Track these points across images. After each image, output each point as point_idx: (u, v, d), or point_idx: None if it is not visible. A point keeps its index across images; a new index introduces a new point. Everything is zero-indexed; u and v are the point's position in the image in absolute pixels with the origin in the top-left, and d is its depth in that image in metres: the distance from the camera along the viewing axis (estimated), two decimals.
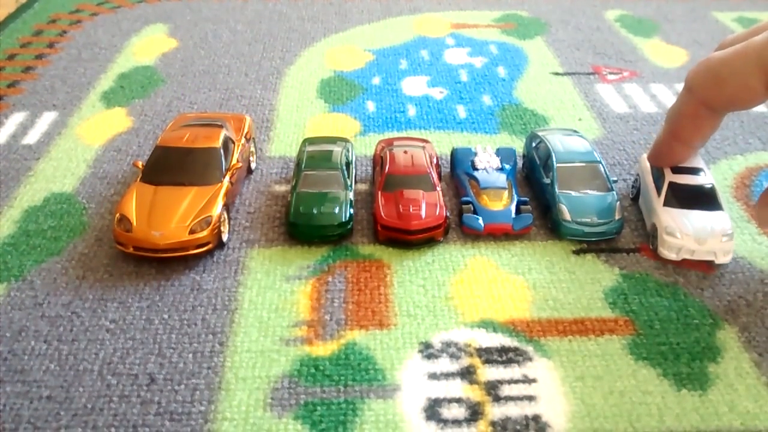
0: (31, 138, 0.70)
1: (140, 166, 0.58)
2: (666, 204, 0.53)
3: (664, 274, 0.52)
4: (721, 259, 0.52)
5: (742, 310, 0.49)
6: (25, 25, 0.98)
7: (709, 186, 0.54)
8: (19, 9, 1.03)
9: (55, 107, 0.76)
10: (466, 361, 0.45)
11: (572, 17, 1.02)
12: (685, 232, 0.51)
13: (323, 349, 0.46)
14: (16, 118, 0.74)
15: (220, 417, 0.41)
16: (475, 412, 0.41)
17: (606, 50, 0.91)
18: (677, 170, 0.54)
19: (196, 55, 0.89)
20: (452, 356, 0.45)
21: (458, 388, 0.43)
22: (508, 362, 0.44)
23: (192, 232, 0.51)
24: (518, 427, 0.40)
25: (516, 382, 0.43)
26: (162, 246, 0.51)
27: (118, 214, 0.53)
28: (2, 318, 0.48)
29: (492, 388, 0.43)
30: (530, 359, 0.45)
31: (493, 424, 0.40)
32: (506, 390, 0.43)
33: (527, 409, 0.41)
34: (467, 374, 0.44)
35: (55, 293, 0.50)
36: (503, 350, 0.45)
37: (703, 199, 0.53)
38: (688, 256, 0.52)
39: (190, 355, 0.45)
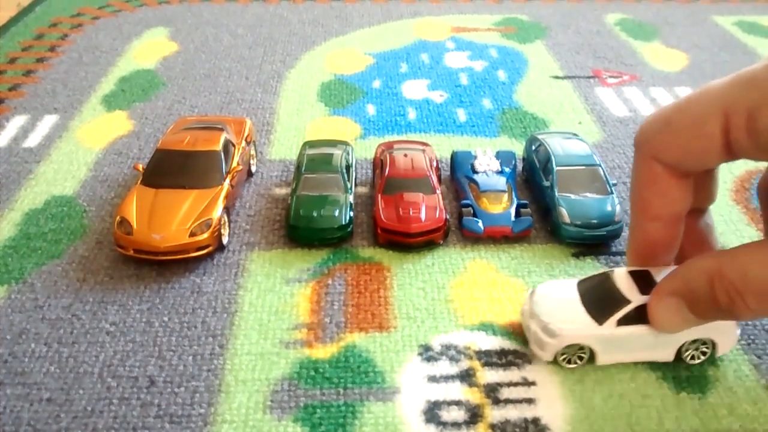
0: (32, 141, 0.70)
1: (141, 169, 0.58)
2: None
3: None
4: None
5: None
6: (26, 28, 0.98)
7: None
8: (21, 13, 1.03)
9: (56, 110, 0.76)
10: (465, 364, 0.45)
11: (572, 21, 1.03)
12: None
13: (323, 351, 0.46)
14: (18, 122, 0.74)
15: (219, 419, 0.41)
16: (474, 415, 0.41)
17: (606, 54, 0.92)
18: None
19: (196, 59, 0.89)
20: (452, 359, 0.45)
21: (458, 390, 0.43)
22: (508, 365, 0.45)
23: (192, 234, 0.52)
24: (517, 430, 0.40)
25: (515, 384, 0.43)
26: (162, 249, 0.51)
27: (118, 217, 0.53)
28: (3, 320, 0.48)
29: (491, 391, 0.43)
30: (529, 362, 0.45)
31: (492, 426, 0.41)
32: (506, 393, 0.43)
33: (526, 412, 0.41)
34: (467, 377, 0.44)
35: (55, 296, 0.50)
36: (503, 353, 0.45)
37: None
38: None
39: (190, 358, 0.45)
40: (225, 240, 0.55)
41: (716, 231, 0.42)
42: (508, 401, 0.42)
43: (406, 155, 0.60)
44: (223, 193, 0.55)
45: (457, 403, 0.42)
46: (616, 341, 0.42)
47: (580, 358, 0.43)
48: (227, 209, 0.56)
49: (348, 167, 0.60)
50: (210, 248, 0.53)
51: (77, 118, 0.75)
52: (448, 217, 0.56)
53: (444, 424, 0.41)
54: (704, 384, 0.43)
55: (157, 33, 0.97)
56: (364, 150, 0.69)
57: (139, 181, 0.57)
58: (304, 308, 0.49)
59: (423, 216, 0.54)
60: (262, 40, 0.95)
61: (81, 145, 0.70)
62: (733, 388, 0.43)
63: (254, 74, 0.85)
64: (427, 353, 0.45)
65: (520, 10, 1.06)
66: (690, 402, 0.42)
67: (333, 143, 0.64)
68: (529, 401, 0.42)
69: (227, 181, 0.57)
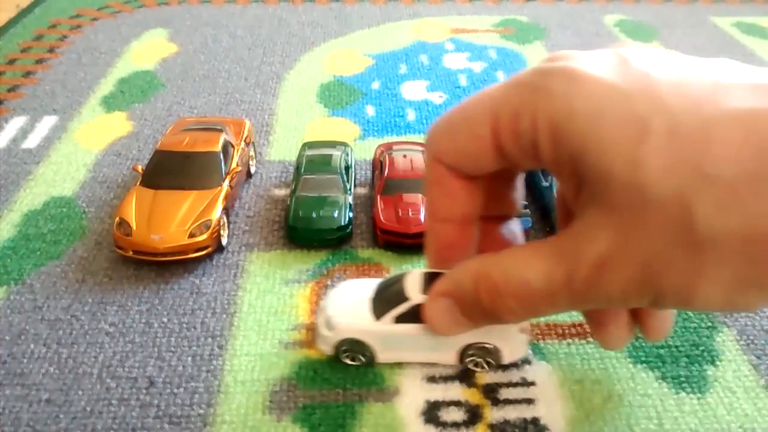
0: (31, 142, 0.70)
1: (140, 170, 0.58)
2: None
3: None
4: None
5: (740, 313, 0.49)
6: (25, 29, 0.98)
7: None
8: (20, 14, 1.03)
9: (55, 111, 0.76)
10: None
11: (571, 22, 1.03)
12: None
13: (322, 352, 0.46)
14: (17, 123, 0.74)
15: (219, 420, 0.41)
16: (474, 415, 0.41)
17: None
18: None
19: (195, 60, 0.89)
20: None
21: (457, 391, 0.43)
22: (507, 365, 0.45)
23: (191, 235, 0.52)
24: (517, 430, 0.40)
25: (515, 385, 0.43)
26: (161, 250, 0.51)
27: (117, 218, 0.53)
28: (2, 321, 0.48)
29: (491, 392, 0.43)
30: (529, 362, 0.45)
31: (492, 427, 0.41)
32: (505, 393, 0.43)
33: (526, 413, 0.41)
34: (466, 377, 0.44)
35: (54, 297, 0.50)
36: None
37: None
38: None
39: (190, 359, 0.45)
40: (224, 241, 0.55)
41: (522, 238, 0.41)
42: (507, 401, 0.42)
43: (405, 156, 0.60)
44: (223, 194, 0.55)
45: (457, 403, 0.42)
46: (394, 339, 0.42)
47: (364, 356, 0.43)
48: (226, 210, 0.56)
49: (347, 168, 0.60)
50: (209, 249, 0.53)
51: (76, 120, 0.75)
52: None
53: (443, 424, 0.41)
54: (703, 384, 0.43)
55: (156, 34, 0.97)
56: (364, 151, 0.69)
57: (138, 182, 0.57)
58: (303, 309, 0.49)
59: (422, 217, 0.54)
60: (261, 41, 0.95)
61: (80, 146, 0.70)
62: (733, 388, 0.43)
63: (253, 75, 0.85)
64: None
65: (519, 11, 1.06)
66: (689, 402, 0.42)
67: (332, 144, 0.64)
68: (529, 401, 0.42)
69: (226, 182, 0.57)
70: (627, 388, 0.43)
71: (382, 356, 0.43)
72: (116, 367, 0.44)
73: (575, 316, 0.48)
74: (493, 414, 0.41)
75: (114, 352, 0.46)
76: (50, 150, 0.69)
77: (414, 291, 0.41)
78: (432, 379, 0.44)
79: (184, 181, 0.56)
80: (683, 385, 0.43)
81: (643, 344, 0.46)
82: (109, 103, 0.78)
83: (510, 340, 0.43)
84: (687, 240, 0.27)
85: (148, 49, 0.93)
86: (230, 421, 0.41)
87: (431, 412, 0.41)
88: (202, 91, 0.81)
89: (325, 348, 0.44)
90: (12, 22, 1.00)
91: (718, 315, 0.49)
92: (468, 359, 0.43)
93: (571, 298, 0.31)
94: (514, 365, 0.44)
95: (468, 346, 0.42)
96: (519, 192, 0.40)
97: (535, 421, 0.41)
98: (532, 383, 0.43)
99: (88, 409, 0.42)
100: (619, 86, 0.29)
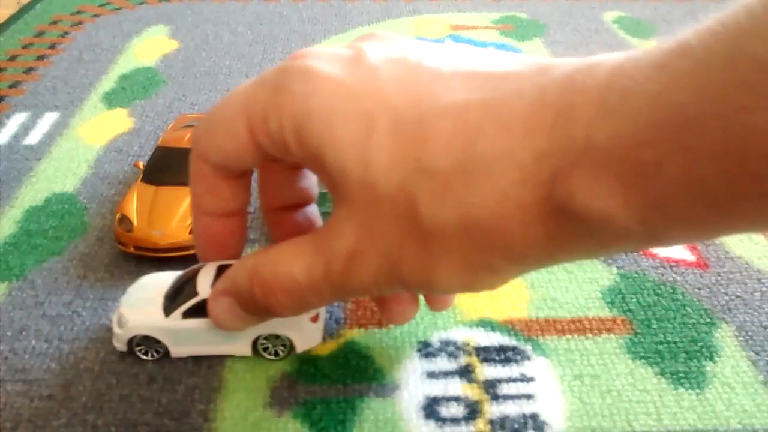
0: (33, 138, 0.71)
1: (141, 167, 0.58)
2: None
3: (662, 273, 0.52)
4: None
5: (740, 309, 0.49)
6: (26, 26, 0.98)
7: None
8: (21, 10, 1.03)
9: (56, 108, 0.77)
10: (464, 360, 0.45)
11: (571, 19, 1.03)
12: None
13: (322, 348, 0.46)
14: (18, 119, 0.74)
15: (219, 416, 0.41)
16: (473, 411, 0.41)
17: (604, 52, 0.91)
18: None
19: (197, 57, 0.89)
20: (451, 355, 0.45)
21: (457, 386, 0.43)
22: (507, 361, 0.45)
23: (193, 231, 0.52)
24: (516, 426, 0.40)
25: (514, 380, 0.43)
26: (163, 246, 0.51)
27: (119, 214, 0.53)
28: (3, 317, 0.48)
29: (490, 387, 0.43)
30: (528, 358, 0.45)
31: (491, 422, 0.41)
32: (504, 388, 0.43)
33: (525, 408, 0.42)
34: (466, 373, 0.44)
35: (56, 293, 0.51)
36: (501, 349, 0.46)
37: None
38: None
39: None
40: None
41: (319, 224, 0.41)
42: (507, 397, 0.42)
43: None
44: None
45: (456, 398, 0.42)
46: (185, 334, 0.42)
47: (159, 351, 0.44)
48: None
49: None
50: None
51: (78, 116, 0.75)
52: None
53: (443, 419, 0.41)
54: (702, 380, 0.44)
55: (157, 31, 0.97)
56: None
57: (139, 179, 0.57)
58: None
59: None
60: (262, 37, 0.95)
61: (81, 142, 0.70)
62: (731, 384, 0.43)
63: (254, 72, 0.85)
64: (426, 349, 0.46)
65: (518, 7, 1.06)
66: (688, 398, 0.42)
67: None
68: (528, 397, 0.42)
69: None
70: (626, 383, 0.43)
71: (175, 350, 0.44)
72: (117, 362, 0.45)
73: (574, 312, 0.49)
74: (493, 409, 0.41)
75: (115, 348, 0.46)
76: (51, 146, 0.69)
77: (204, 286, 0.40)
78: (432, 375, 0.44)
79: (186, 177, 0.55)
80: (682, 380, 0.43)
81: (642, 340, 0.46)
82: (111, 100, 0.78)
83: (301, 330, 0.43)
84: (416, 232, 0.28)
85: (150, 46, 0.93)
86: (231, 417, 0.41)
87: (431, 407, 0.42)
88: (203, 87, 0.81)
89: (119, 345, 0.44)
90: (13, 19, 1.00)
91: (717, 311, 0.49)
92: (262, 349, 0.44)
93: (333, 290, 0.33)
94: (514, 361, 0.45)
95: (260, 337, 0.43)
96: (310, 180, 0.40)
97: (534, 416, 0.41)
98: (532, 379, 0.44)
99: (89, 405, 0.42)
100: (348, 84, 0.29)
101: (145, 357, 0.44)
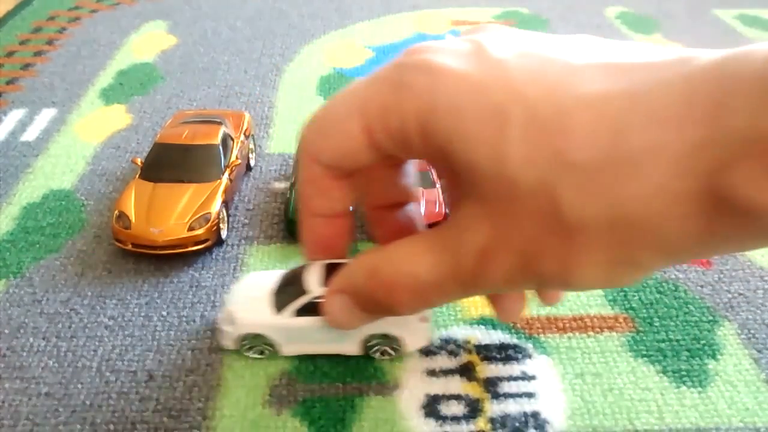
0: (30, 135, 0.70)
1: (139, 163, 0.58)
2: None
3: (664, 271, 0.52)
4: None
5: (742, 307, 0.49)
6: (24, 22, 0.98)
7: None
8: (18, 6, 1.03)
9: (54, 104, 0.76)
10: (465, 358, 0.45)
11: (573, 14, 1.02)
12: None
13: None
14: (15, 115, 0.74)
15: (218, 414, 0.41)
16: (474, 409, 0.41)
17: None
18: None
19: (195, 52, 0.89)
20: (451, 353, 0.45)
21: (457, 385, 0.43)
22: (507, 359, 0.44)
23: (191, 229, 0.51)
24: (517, 424, 0.40)
25: (515, 379, 0.43)
26: (161, 243, 0.51)
27: (116, 211, 0.53)
28: (1, 315, 0.48)
29: (491, 385, 0.43)
30: (529, 356, 0.45)
31: (492, 420, 0.40)
32: (505, 387, 0.43)
33: (526, 406, 0.41)
34: (466, 371, 0.44)
35: (53, 290, 0.50)
36: (502, 347, 0.45)
37: None
38: None
39: (189, 352, 0.45)
40: (224, 234, 0.55)
41: (421, 223, 0.41)
42: (507, 395, 0.42)
43: None
44: (222, 187, 0.55)
45: (457, 397, 0.42)
46: (295, 332, 0.42)
47: (269, 349, 0.44)
48: (226, 203, 0.55)
49: None
50: (209, 242, 0.52)
51: (75, 112, 0.75)
52: (447, 211, 0.55)
53: (444, 418, 0.41)
54: (704, 378, 0.43)
55: (155, 26, 0.97)
56: None
57: (137, 175, 0.56)
58: None
59: (422, 210, 0.54)
60: (261, 33, 0.95)
61: (79, 138, 0.69)
62: (733, 382, 0.43)
63: (253, 67, 0.85)
64: (426, 347, 0.45)
65: (520, 2, 1.06)
66: (690, 396, 0.42)
67: None
68: (529, 395, 0.42)
69: (226, 175, 0.56)
70: (627, 381, 0.43)
71: (285, 349, 0.43)
72: (115, 360, 0.44)
73: (575, 310, 0.48)
74: (494, 408, 0.41)
75: (113, 345, 0.45)
76: (49, 143, 0.69)
77: (313, 283, 0.40)
78: (432, 373, 0.43)
79: (184, 174, 0.56)
80: (684, 378, 0.43)
81: (644, 338, 0.46)
82: (109, 96, 0.78)
83: (411, 330, 0.43)
84: (557, 227, 0.27)
85: (148, 42, 0.92)
86: (229, 415, 0.41)
87: (431, 405, 0.41)
88: (201, 83, 0.81)
89: (227, 343, 0.44)
90: (10, 14, 0.99)
91: (719, 309, 0.49)
92: (372, 349, 0.43)
93: (460, 288, 0.32)
94: (515, 359, 0.44)
95: (371, 336, 0.43)
96: (410, 178, 0.40)
97: (535, 414, 0.41)
98: (533, 377, 0.43)
99: (88, 402, 0.42)
100: (475, 78, 0.29)
101: (253, 356, 0.44)
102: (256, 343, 0.43)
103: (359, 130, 0.32)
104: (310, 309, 0.41)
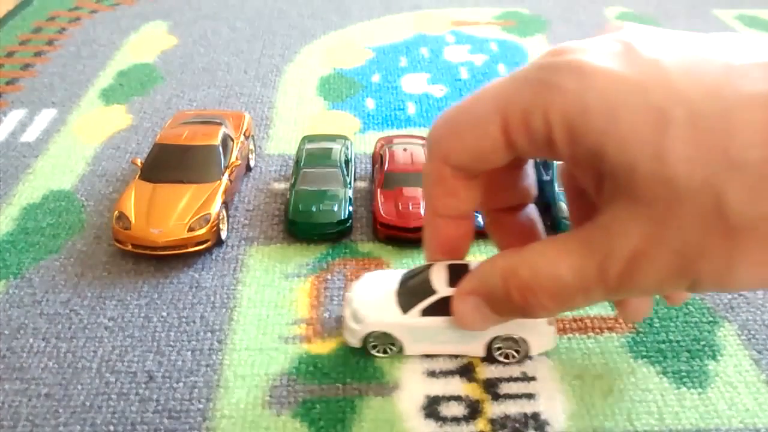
0: (30, 135, 0.70)
1: (139, 164, 0.58)
2: None
3: None
4: None
5: (742, 308, 0.49)
6: (24, 22, 0.98)
7: None
8: (18, 6, 1.02)
9: (54, 104, 0.76)
10: (465, 359, 0.44)
11: (573, 14, 1.02)
12: None
13: (322, 347, 0.45)
14: (15, 116, 0.74)
15: (218, 414, 0.41)
16: (474, 410, 0.41)
17: None
18: None
19: (195, 53, 0.89)
20: (451, 354, 0.45)
21: (457, 385, 0.43)
22: (507, 361, 0.44)
23: (191, 229, 0.51)
24: (517, 425, 0.40)
25: (515, 380, 0.43)
26: (161, 244, 0.51)
27: (116, 212, 0.53)
28: (1, 315, 0.48)
29: (491, 386, 0.43)
30: (529, 357, 0.45)
31: (492, 421, 0.40)
32: (505, 388, 0.43)
33: (526, 407, 0.41)
34: (466, 372, 0.44)
35: (53, 291, 0.50)
36: None
37: None
38: None
39: (189, 353, 0.45)
40: (223, 235, 0.55)
41: (541, 225, 0.41)
42: (507, 396, 0.42)
43: (405, 150, 0.60)
44: (222, 188, 0.55)
45: (457, 398, 0.42)
46: (421, 331, 0.42)
47: (392, 348, 0.44)
48: (226, 204, 0.55)
49: (347, 162, 0.60)
50: (208, 243, 0.52)
51: (75, 113, 0.74)
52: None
53: (443, 419, 0.41)
54: (704, 379, 0.43)
55: (155, 26, 0.97)
56: (364, 144, 0.68)
57: (137, 176, 0.56)
58: (303, 303, 0.49)
59: (423, 211, 0.54)
60: (261, 33, 0.95)
61: (79, 139, 0.69)
62: (734, 383, 0.43)
63: (253, 68, 0.85)
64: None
65: (520, 3, 1.06)
66: (690, 397, 0.42)
67: (332, 138, 0.64)
68: (529, 396, 0.42)
69: (226, 175, 0.56)
70: (628, 383, 0.43)
71: (410, 349, 0.43)
72: (115, 361, 0.44)
73: (575, 312, 0.48)
74: (494, 409, 0.41)
75: (113, 346, 0.45)
76: (49, 143, 0.69)
77: (440, 284, 0.41)
78: (432, 374, 0.43)
79: (184, 174, 0.55)
80: (684, 380, 0.43)
81: (644, 339, 0.46)
82: (108, 96, 0.78)
83: (538, 333, 0.43)
84: (721, 227, 0.27)
85: (148, 42, 0.92)
86: (230, 416, 0.41)
87: (431, 406, 0.41)
88: (201, 84, 0.81)
89: (353, 340, 0.44)
90: (11, 15, 0.99)
91: (719, 309, 0.49)
92: (496, 351, 0.43)
93: (605, 291, 0.31)
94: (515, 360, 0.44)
95: (496, 338, 0.43)
96: (531, 179, 0.40)
97: (535, 416, 0.41)
98: (533, 378, 0.43)
99: (87, 403, 0.41)
100: (631, 78, 0.28)
101: (377, 354, 0.44)
102: (382, 342, 0.43)
103: (498, 131, 0.32)
104: (437, 309, 0.41)
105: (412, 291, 0.42)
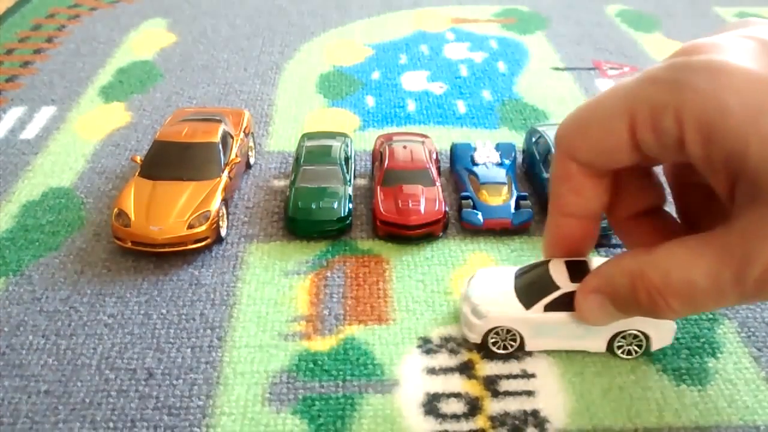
0: (30, 133, 0.70)
1: (139, 161, 0.57)
2: None
3: None
4: None
5: (742, 306, 0.49)
6: (23, 19, 0.98)
7: None
8: (18, 3, 1.02)
9: (53, 102, 0.76)
10: (465, 356, 0.44)
11: (573, 12, 1.02)
12: None
13: (322, 344, 0.45)
14: (15, 113, 0.74)
15: (218, 412, 0.41)
16: (473, 407, 0.41)
17: (607, 45, 0.91)
18: None
19: (194, 50, 0.89)
20: (451, 351, 0.45)
21: (457, 383, 0.43)
22: (507, 357, 0.44)
23: (190, 227, 0.51)
24: (517, 422, 0.40)
25: (515, 377, 0.43)
26: (160, 241, 0.51)
27: (116, 209, 0.53)
28: (1, 312, 0.48)
29: (491, 383, 0.43)
30: (529, 354, 0.45)
31: (491, 418, 0.40)
32: (505, 385, 0.43)
33: (526, 404, 0.41)
34: (466, 369, 0.44)
35: (53, 288, 0.50)
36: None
37: None
38: None
39: (189, 350, 0.45)
40: (223, 232, 0.55)
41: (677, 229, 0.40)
42: (507, 393, 0.42)
43: (405, 147, 0.60)
44: (222, 185, 0.55)
45: (457, 395, 0.42)
46: (544, 327, 0.43)
47: (512, 344, 0.44)
48: (225, 201, 0.55)
49: (347, 159, 0.60)
50: (208, 240, 0.52)
51: (75, 110, 0.74)
52: (447, 209, 0.55)
53: (443, 416, 0.41)
54: (704, 376, 0.43)
55: (155, 24, 0.97)
56: (363, 142, 0.68)
57: (137, 173, 0.56)
58: (302, 300, 0.49)
59: (422, 208, 0.54)
60: (261, 30, 0.95)
61: (78, 136, 0.69)
62: (733, 381, 0.43)
63: (253, 65, 0.85)
64: (426, 345, 0.45)
65: (520, 0, 1.06)
66: (690, 394, 0.42)
67: (332, 135, 0.64)
68: (529, 393, 0.42)
69: (225, 172, 0.56)
70: (627, 380, 0.43)
71: (531, 344, 0.44)
72: (115, 358, 0.44)
73: None
74: (493, 406, 0.41)
75: (113, 343, 0.45)
76: (48, 140, 0.69)
77: (563, 280, 0.41)
78: (432, 371, 0.43)
79: (183, 171, 0.55)
80: (684, 377, 0.43)
81: None
82: (108, 94, 0.78)
83: (660, 328, 0.43)
84: None
85: (147, 39, 0.92)
86: (229, 413, 0.41)
87: (431, 403, 0.41)
88: (201, 81, 0.81)
89: (473, 336, 0.44)
90: (10, 12, 0.99)
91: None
92: (617, 348, 0.44)
93: (740, 297, 0.31)
94: (515, 357, 0.44)
95: (618, 334, 0.43)
96: (659, 183, 0.39)
97: (535, 413, 0.41)
98: (533, 375, 0.43)
99: (87, 400, 0.41)
100: None
101: (497, 350, 0.44)
102: (503, 338, 0.44)
103: (625, 129, 0.32)
104: (560, 304, 0.41)
105: (532, 287, 0.43)
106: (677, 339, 0.46)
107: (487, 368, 0.44)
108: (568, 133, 0.36)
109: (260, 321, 0.47)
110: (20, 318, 0.48)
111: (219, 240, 0.54)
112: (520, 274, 0.44)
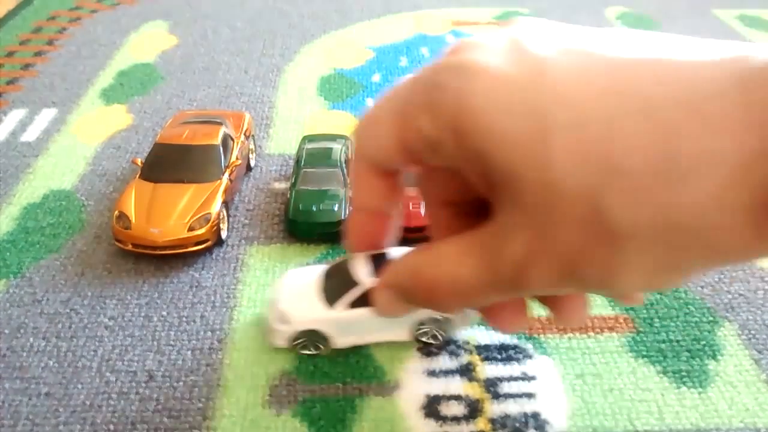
0: (30, 135, 0.70)
1: (139, 164, 0.58)
2: None
3: None
4: None
5: (743, 308, 0.49)
6: (24, 22, 0.98)
7: None
8: (19, 6, 1.03)
9: (54, 104, 0.76)
10: (465, 359, 0.45)
11: (573, 14, 1.02)
12: None
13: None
14: (15, 116, 0.74)
15: (218, 414, 0.41)
16: (474, 410, 0.41)
17: None
18: None
19: (195, 52, 0.89)
20: (452, 354, 0.45)
21: (458, 385, 0.43)
22: (508, 360, 0.44)
23: (191, 229, 0.51)
24: (517, 425, 0.40)
25: (515, 379, 0.43)
26: (161, 243, 0.51)
27: (116, 212, 0.53)
28: (1, 315, 0.48)
29: (491, 386, 0.43)
30: (530, 357, 0.45)
31: (492, 421, 0.40)
32: (506, 387, 0.43)
33: (526, 407, 0.41)
34: (467, 371, 0.44)
35: (53, 290, 0.50)
36: (503, 348, 0.45)
37: None
38: None
39: (189, 352, 0.45)
40: (224, 234, 0.55)
41: None
42: (508, 396, 0.42)
43: None
44: (222, 188, 0.55)
45: (457, 397, 0.42)
46: (350, 324, 0.43)
47: (323, 345, 0.44)
48: (226, 204, 0.55)
49: (347, 162, 0.60)
50: (209, 243, 0.52)
51: (75, 112, 0.74)
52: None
53: (444, 418, 0.41)
54: (704, 378, 0.43)
55: (155, 26, 0.97)
56: None
57: (137, 176, 0.56)
58: None
59: (422, 210, 0.54)
60: (261, 33, 0.95)
61: (79, 139, 0.69)
62: (734, 383, 0.43)
63: (253, 68, 0.85)
64: (426, 348, 0.45)
65: (520, 3, 1.06)
66: (690, 396, 0.42)
67: (332, 137, 0.64)
68: (530, 396, 0.42)
69: (226, 175, 0.56)
70: (628, 382, 0.43)
71: (339, 341, 0.44)
72: (115, 360, 0.44)
73: None
74: (494, 408, 0.41)
75: (113, 345, 0.45)
76: (49, 143, 0.69)
77: (363, 276, 0.41)
78: (432, 373, 0.43)
79: (184, 174, 0.55)
80: (684, 379, 0.43)
81: (645, 338, 0.46)
82: (109, 96, 0.78)
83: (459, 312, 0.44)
84: (602, 234, 0.27)
85: (148, 42, 0.92)
86: (230, 415, 0.41)
87: (431, 406, 0.41)
88: (201, 83, 0.81)
89: (280, 342, 0.44)
90: (11, 14, 0.99)
91: (720, 309, 0.49)
92: (422, 335, 0.45)
93: (499, 292, 0.32)
94: (515, 359, 0.44)
95: (420, 322, 0.44)
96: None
97: (535, 415, 0.41)
98: (533, 377, 0.43)
99: (88, 402, 0.41)
100: (513, 77, 0.27)
101: (307, 353, 0.44)
102: (311, 340, 0.44)
103: (392, 131, 0.32)
104: (363, 300, 0.42)
105: (335, 285, 0.43)
106: (677, 341, 0.46)
107: (487, 370, 0.44)
108: (357, 131, 0.36)
109: (261, 323, 0.47)
110: (21, 320, 0.48)
111: (219, 242, 0.54)
112: (325, 274, 0.44)
